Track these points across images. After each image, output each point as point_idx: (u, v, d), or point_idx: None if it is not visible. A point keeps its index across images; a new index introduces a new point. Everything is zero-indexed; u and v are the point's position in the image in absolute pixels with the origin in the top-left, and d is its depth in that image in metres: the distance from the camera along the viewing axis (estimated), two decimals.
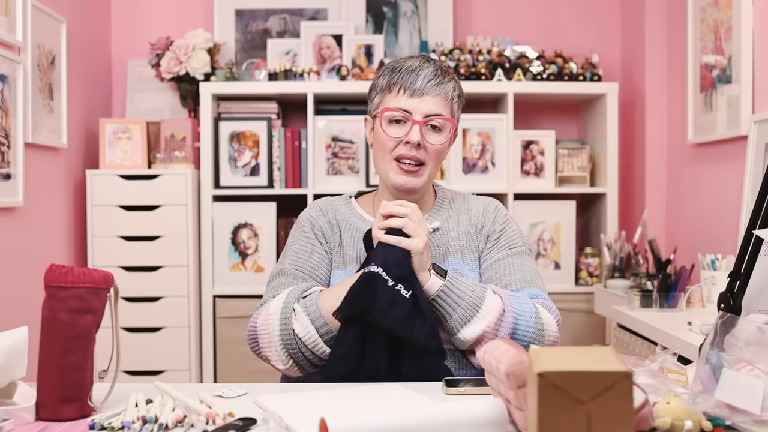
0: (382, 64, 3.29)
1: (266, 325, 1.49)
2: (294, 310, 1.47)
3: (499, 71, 3.25)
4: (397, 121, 1.55)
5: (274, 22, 3.53)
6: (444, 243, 1.60)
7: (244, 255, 3.23)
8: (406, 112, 1.54)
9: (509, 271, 1.57)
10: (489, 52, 3.34)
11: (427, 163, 1.56)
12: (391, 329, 1.38)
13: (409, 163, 1.55)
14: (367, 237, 1.51)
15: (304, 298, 1.49)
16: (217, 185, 3.23)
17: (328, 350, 1.46)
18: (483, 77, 3.25)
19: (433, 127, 1.55)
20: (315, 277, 1.57)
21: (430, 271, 1.45)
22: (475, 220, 1.64)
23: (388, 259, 1.41)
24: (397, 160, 1.56)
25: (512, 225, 1.64)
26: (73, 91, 3.08)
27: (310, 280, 1.56)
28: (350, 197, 1.70)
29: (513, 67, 3.27)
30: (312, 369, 1.50)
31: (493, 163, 3.27)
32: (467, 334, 1.45)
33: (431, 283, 1.45)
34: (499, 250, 1.60)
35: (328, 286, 1.59)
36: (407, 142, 1.54)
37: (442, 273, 1.47)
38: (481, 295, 1.46)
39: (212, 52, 3.35)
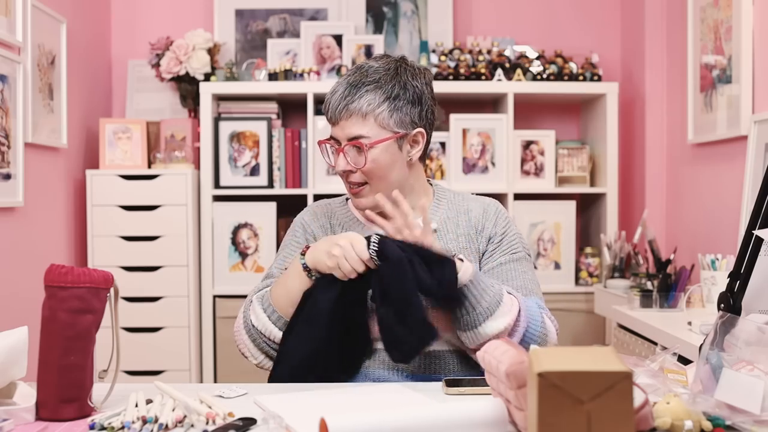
0: None
1: (238, 323, 1.56)
2: (251, 301, 1.54)
3: (499, 71, 3.25)
4: (334, 148, 1.57)
5: (274, 22, 3.53)
6: (443, 245, 1.59)
7: (244, 255, 3.23)
8: (334, 140, 1.56)
9: (510, 277, 1.57)
10: (489, 52, 3.34)
11: (370, 182, 1.55)
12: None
13: (353, 186, 1.57)
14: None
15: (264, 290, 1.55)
16: (217, 185, 3.23)
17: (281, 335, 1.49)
18: (483, 77, 3.25)
19: (358, 148, 1.53)
20: None
21: (455, 257, 1.42)
22: (476, 221, 1.62)
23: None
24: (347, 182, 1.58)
25: (513, 228, 1.63)
26: (73, 91, 3.08)
27: None
28: (347, 199, 1.69)
29: (513, 67, 3.27)
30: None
31: (493, 163, 3.27)
32: (490, 328, 1.42)
33: (465, 267, 1.41)
34: (501, 254, 1.59)
35: None
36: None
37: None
38: (501, 291, 1.45)
39: (212, 52, 3.35)
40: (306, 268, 1.45)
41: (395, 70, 1.55)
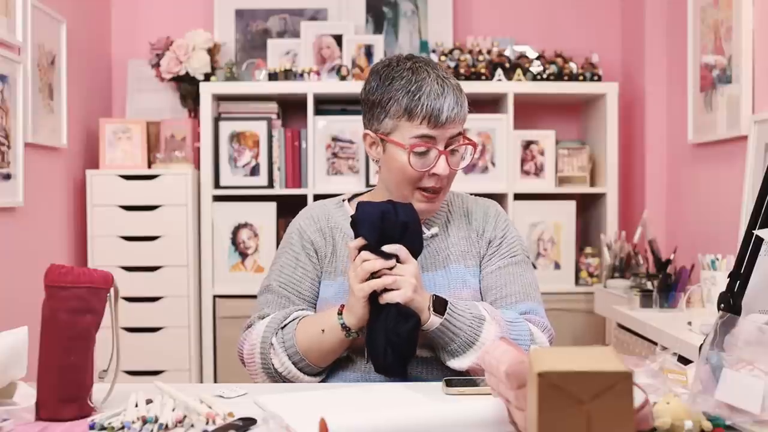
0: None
1: (251, 356, 1.52)
2: (272, 345, 1.49)
3: (499, 71, 3.25)
4: (422, 151, 1.49)
5: (274, 22, 3.53)
6: (444, 249, 1.58)
7: (244, 255, 3.23)
8: (431, 142, 1.48)
9: (509, 281, 1.56)
10: (489, 52, 3.34)
11: (445, 187, 1.54)
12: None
13: (432, 191, 1.52)
14: (353, 223, 1.46)
15: (282, 328, 1.50)
16: (217, 185, 3.23)
17: (308, 379, 1.49)
18: (483, 77, 3.25)
19: (453, 151, 1.51)
20: (298, 293, 1.57)
21: (429, 309, 1.43)
22: (476, 225, 1.62)
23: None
24: (422, 189, 1.51)
25: (512, 231, 1.63)
26: (73, 91, 3.08)
27: (294, 297, 1.57)
28: (343, 201, 1.66)
29: (513, 67, 3.27)
30: None
31: (493, 163, 3.27)
32: (456, 364, 1.46)
33: (430, 322, 1.43)
34: (499, 258, 1.58)
35: (316, 300, 1.59)
36: (433, 174, 1.49)
37: (442, 307, 1.44)
38: (478, 330, 1.44)
39: (212, 52, 3.35)
40: (345, 327, 1.44)
41: None
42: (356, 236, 1.44)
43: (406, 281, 1.39)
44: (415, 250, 1.44)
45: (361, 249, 1.42)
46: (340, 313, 1.45)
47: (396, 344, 1.40)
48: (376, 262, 1.39)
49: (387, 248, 1.40)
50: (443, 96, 1.47)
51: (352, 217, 1.45)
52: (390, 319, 1.40)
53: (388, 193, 1.56)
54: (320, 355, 1.48)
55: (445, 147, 1.49)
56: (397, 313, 1.40)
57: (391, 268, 1.40)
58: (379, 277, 1.40)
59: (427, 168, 1.48)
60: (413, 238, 1.44)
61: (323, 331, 1.46)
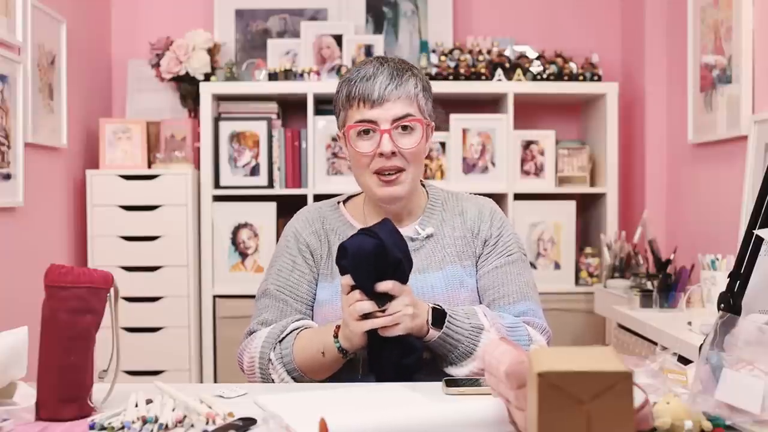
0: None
1: (251, 367, 1.51)
2: (270, 360, 1.48)
3: (499, 71, 3.25)
4: (366, 133, 1.50)
5: (274, 22, 3.53)
6: (440, 249, 1.58)
7: (244, 255, 3.23)
8: (371, 122, 1.49)
9: (506, 281, 1.56)
10: (489, 52, 3.34)
11: (407, 168, 1.51)
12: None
13: (389, 174, 1.51)
14: (340, 256, 1.40)
15: (280, 342, 1.49)
16: (217, 185, 3.23)
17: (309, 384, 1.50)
18: (483, 77, 3.25)
19: (404, 128, 1.50)
20: (296, 296, 1.57)
21: (428, 323, 1.42)
22: (471, 224, 1.60)
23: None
24: (377, 173, 1.51)
25: (508, 229, 1.62)
26: (73, 91, 3.08)
27: (291, 300, 1.56)
28: (338, 203, 1.66)
29: (513, 67, 3.27)
30: None
31: (493, 163, 3.27)
32: (455, 372, 1.46)
33: (429, 335, 1.43)
34: (496, 257, 1.57)
35: (313, 302, 1.59)
36: (381, 154, 1.49)
37: (441, 318, 1.43)
38: (476, 340, 1.43)
39: (212, 52, 3.35)
40: (342, 350, 1.43)
41: (412, 66, 1.56)
42: (344, 271, 1.39)
43: (403, 315, 1.37)
44: (408, 275, 1.41)
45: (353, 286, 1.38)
46: (335, 336, 1.43)
47: (404, 375, 1.41)
48: (368, 305, 1.36)
49: (380, 287, 1.36)
50: (375, 76, 1.50)
51: (339, 252, 1.38)
52: (394, 352, 1.40)
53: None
54: (318, 372, 1.48)
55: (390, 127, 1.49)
56: (401, 346, 1.40)
57: (384, 309, 1.37)
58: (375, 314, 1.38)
59: (374, 149, 1.49)
60: (405, 272, 1.40)
61: (323, 354, 1.45)
